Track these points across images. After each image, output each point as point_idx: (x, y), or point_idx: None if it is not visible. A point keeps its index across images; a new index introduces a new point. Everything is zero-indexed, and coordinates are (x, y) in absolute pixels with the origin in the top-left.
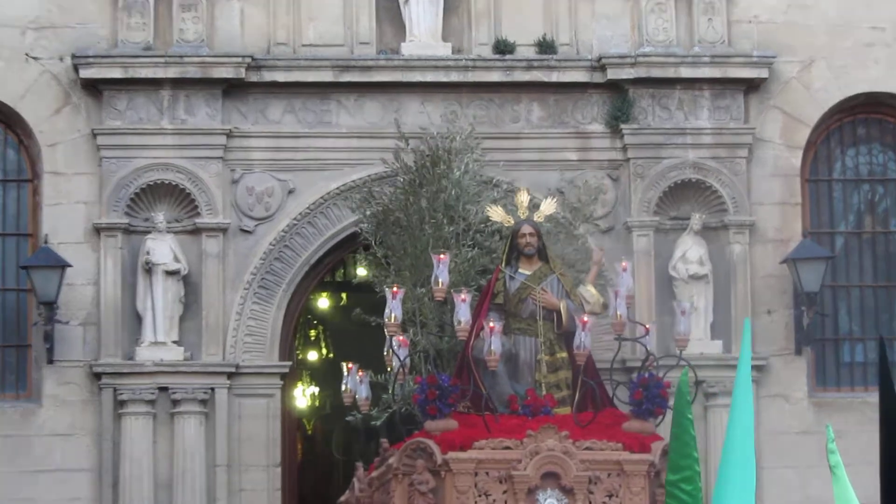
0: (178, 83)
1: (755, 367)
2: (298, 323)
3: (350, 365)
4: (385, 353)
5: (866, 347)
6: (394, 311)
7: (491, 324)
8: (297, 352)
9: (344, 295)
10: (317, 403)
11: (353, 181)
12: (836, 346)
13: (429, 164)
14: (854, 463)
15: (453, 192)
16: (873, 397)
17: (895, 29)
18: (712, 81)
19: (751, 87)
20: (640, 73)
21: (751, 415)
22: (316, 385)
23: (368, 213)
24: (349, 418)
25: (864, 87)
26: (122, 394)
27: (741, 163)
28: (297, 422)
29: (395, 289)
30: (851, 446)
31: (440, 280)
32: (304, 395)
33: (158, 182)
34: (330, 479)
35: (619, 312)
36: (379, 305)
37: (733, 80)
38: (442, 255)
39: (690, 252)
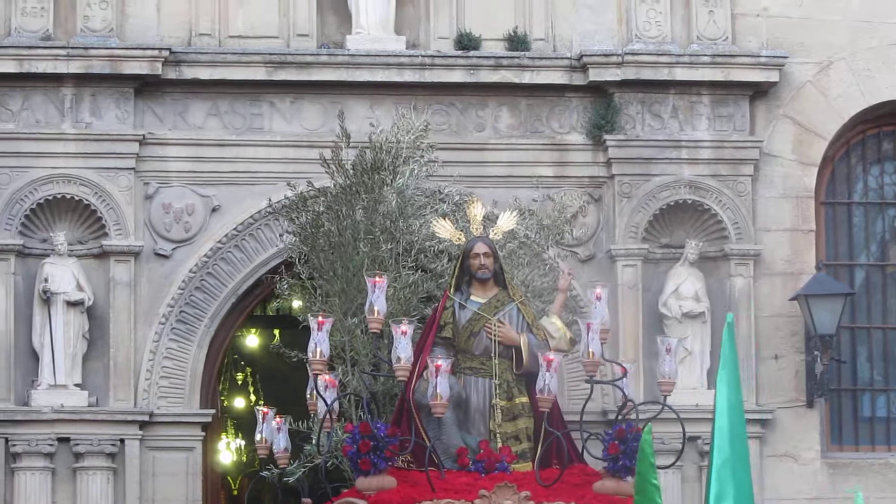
0: (83, 79)
1: (758, 422)
2: (223, 364)
3: (265, 410)
4: (307, 396)
5: (889, 400)
6: (319, 344)
7: (437, 362)
8: (222, 398)
9: (277, 332)
10: (244, 458)
11: (289, 198)
12: (855, 397)
13: (369, 168)
14: None
15: (395, 204)
16: None
17: None
18: (713, 85)
19: (758, 92)
20: (628, 74)
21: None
22: (243, 437)
23: (296, 224)
24: (264, 473)
25: (892, 94)
26: (15, 445)
27: (745, 182)
28: (222, 480)
29: (320, 318)
30: None
31: (376, 308)
32: (228, 449)
33: (59, 196)
34: None
35: (591, 350)
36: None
37: (737, 83)
38: (378, 278)
39: (685, 286)
